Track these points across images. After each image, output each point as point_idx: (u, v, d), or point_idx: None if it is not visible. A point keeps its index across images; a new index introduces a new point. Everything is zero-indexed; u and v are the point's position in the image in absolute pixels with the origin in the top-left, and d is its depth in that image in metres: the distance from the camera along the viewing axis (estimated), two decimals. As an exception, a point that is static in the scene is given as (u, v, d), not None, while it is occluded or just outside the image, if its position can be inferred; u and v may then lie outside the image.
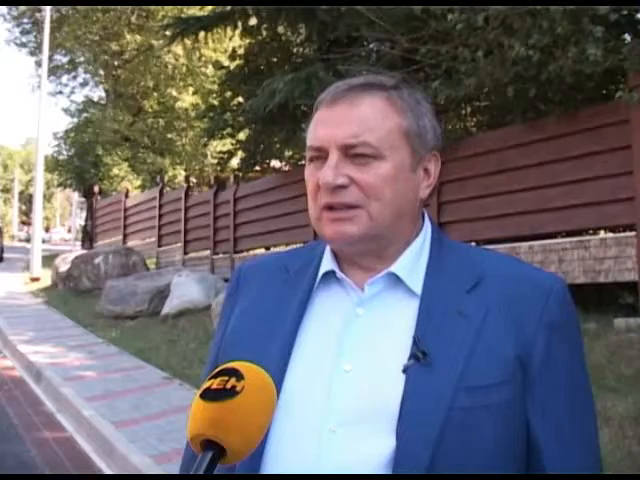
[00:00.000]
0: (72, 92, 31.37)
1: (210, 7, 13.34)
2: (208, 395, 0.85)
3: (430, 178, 1.15)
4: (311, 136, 1.12)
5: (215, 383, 0.86)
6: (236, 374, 0.86)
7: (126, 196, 21.20)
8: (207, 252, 15.06)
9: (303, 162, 14.75)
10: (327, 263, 1.16)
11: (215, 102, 15.29)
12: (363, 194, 1.07)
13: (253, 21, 12.13)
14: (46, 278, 18.27)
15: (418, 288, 1.09)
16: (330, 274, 1.15)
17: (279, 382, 1.03)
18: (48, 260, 20.00)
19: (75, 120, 29.07)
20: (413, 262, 1.12)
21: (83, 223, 29.99)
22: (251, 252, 13.85)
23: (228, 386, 0.85)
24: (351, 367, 1.05)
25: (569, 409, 1.06)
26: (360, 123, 1.07)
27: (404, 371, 1.01)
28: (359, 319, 1.09)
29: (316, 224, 1.13)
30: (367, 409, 1.01)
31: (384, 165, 1.07)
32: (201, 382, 1.25)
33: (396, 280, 1.11)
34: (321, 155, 1.10)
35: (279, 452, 1.03)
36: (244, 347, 1.12)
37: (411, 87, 1.17)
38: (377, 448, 0.99)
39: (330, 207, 1.08)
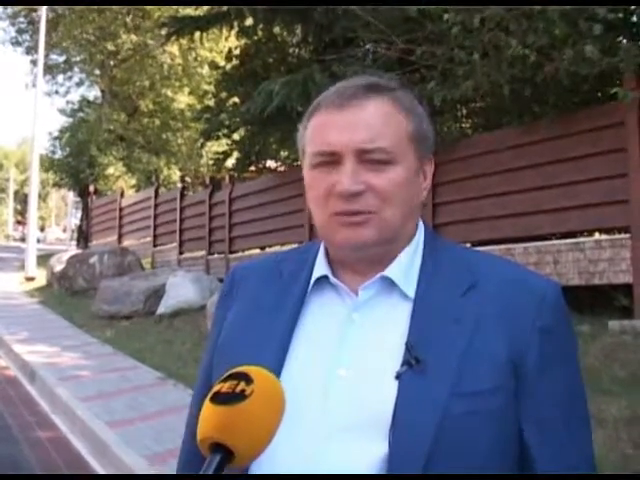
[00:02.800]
0: (68, 92, 31.45)
1: (206, 7, 13.29)
2: (217, 399, 0.86)
3: (427, 180, 1.16)
4: (319, 140, 1.10)
5: (225, 387, 0.87)
6: (245, 378, 0.87)
7: (121, 196, 21.11)
8: (202, 252, 15.03)
9: (299, 163, 14.67)
10: (320, 268, 1.15)
11: (211, 103, 15.24)
12: (378, 200, 1.06)
13: (249, 21, 12.10)
14: (41, 278, 18.24)
15: (412, 292, 1.09)
16: (323, 278, 1.14)
17: None
18: (43, 260, 19.96)
19: (70, 120, 29.02)
20: (407, 265, 1.11)
21: (78, 223, 29.91)
22: (246, 252, 13.83)
23: (237, 390, 0.86)
24: (346, 373, 1.04)
25: (563, 415, 1.05)
26: (372, 127, 1.06)
27: (397, 377, 1.00)
28: (354, 324, 1.08)
29: (323, 231, 1.11)
30: (362, 415, 1.01)
31: (397, 170, 1.07)
32: (196, 383, 1.25)
33: (390, 284, 1.10)
34: (332, 160, 1.07)
35: (275, 458, 1.01)
36: (238, 351, 1.11)
37: (409, 89, 1.17)
38: (371, 455, 0.98)
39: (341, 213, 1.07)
